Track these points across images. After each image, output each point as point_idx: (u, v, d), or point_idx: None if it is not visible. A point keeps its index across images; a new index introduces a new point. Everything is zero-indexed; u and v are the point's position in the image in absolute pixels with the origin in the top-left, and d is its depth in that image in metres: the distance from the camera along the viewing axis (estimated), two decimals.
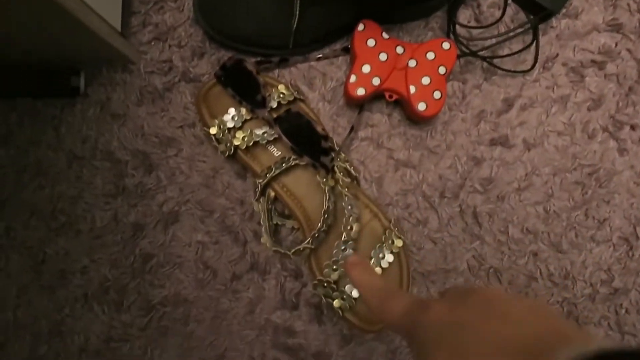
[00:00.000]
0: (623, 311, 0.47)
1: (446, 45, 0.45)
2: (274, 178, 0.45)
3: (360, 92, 0.45)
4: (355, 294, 0.43)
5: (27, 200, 0.47)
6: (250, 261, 0.47)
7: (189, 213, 0.48)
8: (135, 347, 0.47)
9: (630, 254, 0.47)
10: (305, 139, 0.43)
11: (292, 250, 0.43)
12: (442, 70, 0.45)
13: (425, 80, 0.45)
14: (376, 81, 0.45)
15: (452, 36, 0.49)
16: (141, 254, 0.47)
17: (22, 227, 0.47)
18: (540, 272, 0.47)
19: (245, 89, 0.44)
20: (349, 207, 0.43)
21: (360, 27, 0.45)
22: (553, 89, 0.49)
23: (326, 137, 0.42)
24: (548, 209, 0.48)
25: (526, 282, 0.47)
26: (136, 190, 0.47)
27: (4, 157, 0.48)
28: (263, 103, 0.44)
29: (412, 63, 0.45)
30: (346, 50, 0.48)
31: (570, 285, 0.47)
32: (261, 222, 0.45)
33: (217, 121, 0.45)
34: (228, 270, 0.47)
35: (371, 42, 0.45)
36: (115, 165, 0.48)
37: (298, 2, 0.44)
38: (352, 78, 0.45)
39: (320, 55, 0.48)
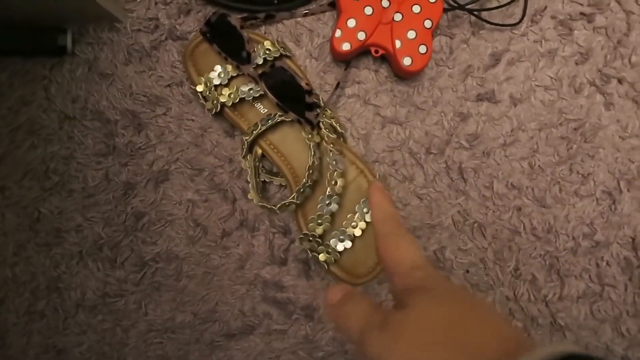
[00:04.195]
0: (604, 264, 0.48)
1: None
2: (261, 135, 0.45)
3: (346, 47, 0.45)
4: (339, 247, 0.44)
5: (20, 160, 0.48)
6: (240, 218, 0.48)
7: (179, 172, 0.48)
8: (130, 302, 0.48)
9: (613, 207, 0.48)
10: (290, 95, 0.43)
11: (278, 205, 0.44)
12: (428, 24, 0.45)
13: (411, 35, 0.44)
14: (362, 36, 0.44)
15: None
16: (133, 212, 0.48)
17: (17, 187, 0.48)
18: (524, 227, 0.48)
19: (230, 45, 0.44)
20: (334, 162, 0.44)
21: None
22: (541, 43, 0.48)
23: (310, 92, 0.42)
24: (533, 164, 0.48)
25: (510, 236, 0.48)
26: (126, 150, 0.48)
27: None
28: (248, 59, 0.44)
29: (397, 17, 0.45)
30: (332, 6, 0.48)
31: (552, 239, 0.48)
32: (248, 179, 0.46)
33: (203, 79, 0.45)
34: (218, 227, 0.48)
35: None
36: (105, 124, 0.48)
37: None
38: (338, 33, 0.45)
39: (307, 11, 0.48)
